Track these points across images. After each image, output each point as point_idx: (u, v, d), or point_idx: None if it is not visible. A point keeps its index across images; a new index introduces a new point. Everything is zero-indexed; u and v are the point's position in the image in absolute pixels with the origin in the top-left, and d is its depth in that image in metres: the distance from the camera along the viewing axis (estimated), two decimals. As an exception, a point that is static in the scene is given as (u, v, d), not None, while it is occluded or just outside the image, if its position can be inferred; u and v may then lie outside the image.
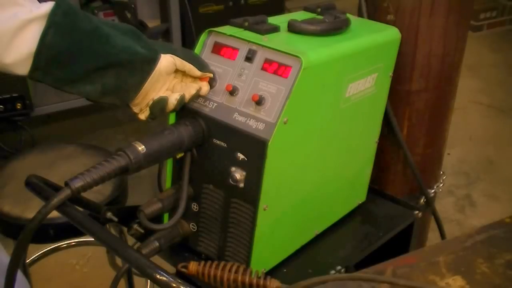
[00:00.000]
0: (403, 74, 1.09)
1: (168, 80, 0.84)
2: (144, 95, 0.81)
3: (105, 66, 0.75)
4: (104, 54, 0.74)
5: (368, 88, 0.98)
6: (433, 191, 1.22)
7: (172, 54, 0.82)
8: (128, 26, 0.80)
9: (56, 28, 0.70)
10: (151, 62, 0.79)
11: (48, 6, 0.71)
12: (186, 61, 0.83)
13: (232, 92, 0.85)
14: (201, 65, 0.85)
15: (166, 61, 0.81)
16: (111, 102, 0.79)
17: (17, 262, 0.71)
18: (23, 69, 0.71)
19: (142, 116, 0.84)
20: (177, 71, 0.84)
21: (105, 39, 0.74)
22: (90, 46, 0.73)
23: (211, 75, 0.87)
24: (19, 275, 1.02)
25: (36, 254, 1.73)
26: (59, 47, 0.71)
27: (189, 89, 0.84)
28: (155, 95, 0.82)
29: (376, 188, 1.19)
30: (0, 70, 0.72)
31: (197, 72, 0.84)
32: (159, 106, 0.82)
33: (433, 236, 1.35)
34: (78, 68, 0.73)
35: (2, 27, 0.68)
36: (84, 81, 0.75)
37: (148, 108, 0.83)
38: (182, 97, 0.83)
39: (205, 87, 0.86)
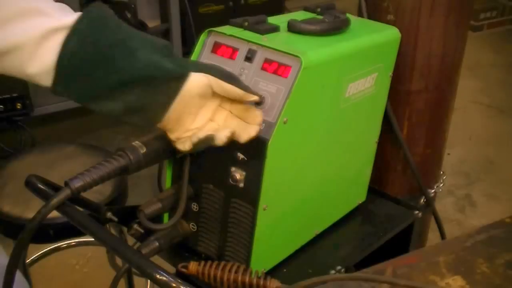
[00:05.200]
0: (403, 74, 1.08)
1: (206, 106, 0.75)
2: (176, 120, 0.73)
3: (127, 81, 0.67)
4: (127, 68, 0.67)
5: (368, 88, 0.98)
6: (433, 191, 1.22)
7: (205, 73, 0.73)
8: (162, 41, 0.71)
9: (79, 36, 0.65)
10: (179, 79, 0.70)
11: (78, 15, 0.66)
12: (223, 80, 0.73)
13: (232, 92, 0.84)
14: (243, 86, 0.76)
15: (198, 80, 0.72)
16: (135, 122, 0.72)
17: (16, 262, 0.71)
18: (47, 81, 0.66)
19: (181, 146, 0.76)
20: (215, 95, 0.75)
21: (130, 52, 0.67)
22: (113, 59, 0.67)
23: (257, 98, 0.77)
24: (19, 275, 1.02)
25: (36, 254, 1.73)
26: (80, 57, 0.65)
27: (247, 130, 0.75)
28: (191, 122, 0.75)
29: (376, 188, 1.19)
30: (27, 80, 0.67)
31: (239, 91, 0.74)
32: (204, 145, 0.75)
33: (433, 236, 1.35)
34: (100, 82, 0.67)
35: (27, 36, 0.63)
36: (106, 97, 0.68)
37: (190, 141, 0.75)
38: (233, 134, 0.75)
39: (259, 117, 0.75)
